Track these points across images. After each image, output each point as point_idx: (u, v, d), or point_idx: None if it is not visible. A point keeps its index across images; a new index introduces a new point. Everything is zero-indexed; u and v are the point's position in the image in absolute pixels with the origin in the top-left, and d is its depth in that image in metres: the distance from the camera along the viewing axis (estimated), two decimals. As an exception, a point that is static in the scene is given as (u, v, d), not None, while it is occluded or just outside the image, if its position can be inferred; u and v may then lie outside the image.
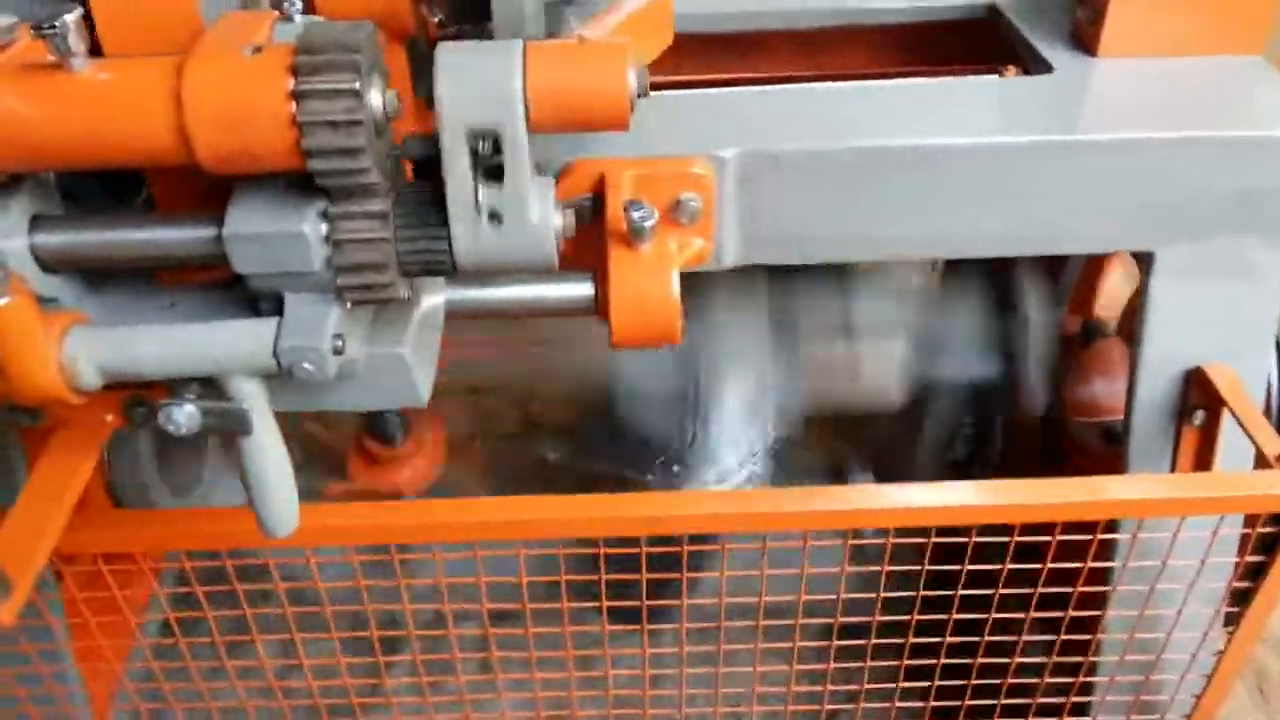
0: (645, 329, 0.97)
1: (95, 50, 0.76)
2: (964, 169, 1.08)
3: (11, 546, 0.78)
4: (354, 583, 1.15)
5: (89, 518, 1.23)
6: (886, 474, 1.64)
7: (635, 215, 0.94)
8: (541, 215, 0.74)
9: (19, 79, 0.66)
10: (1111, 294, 1.60)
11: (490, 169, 0.72)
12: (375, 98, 0.66)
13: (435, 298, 0.90)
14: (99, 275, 0.78)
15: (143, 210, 0.81)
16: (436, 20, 0.95)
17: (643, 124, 1.11)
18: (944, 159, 1.07)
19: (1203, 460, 1.20)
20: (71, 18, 0.64)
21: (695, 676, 1.25)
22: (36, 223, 0.74)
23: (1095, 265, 1.60)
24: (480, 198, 0.71)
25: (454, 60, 0.70)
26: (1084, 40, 1.21)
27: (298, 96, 0.64)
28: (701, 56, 1.41)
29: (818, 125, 1.11)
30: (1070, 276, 1.61)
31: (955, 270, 1.53)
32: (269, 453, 0.77)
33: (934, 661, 1.22)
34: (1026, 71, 1.23)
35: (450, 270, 0.75)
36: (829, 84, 1.22)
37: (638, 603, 1.14)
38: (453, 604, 1.31)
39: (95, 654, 1.23)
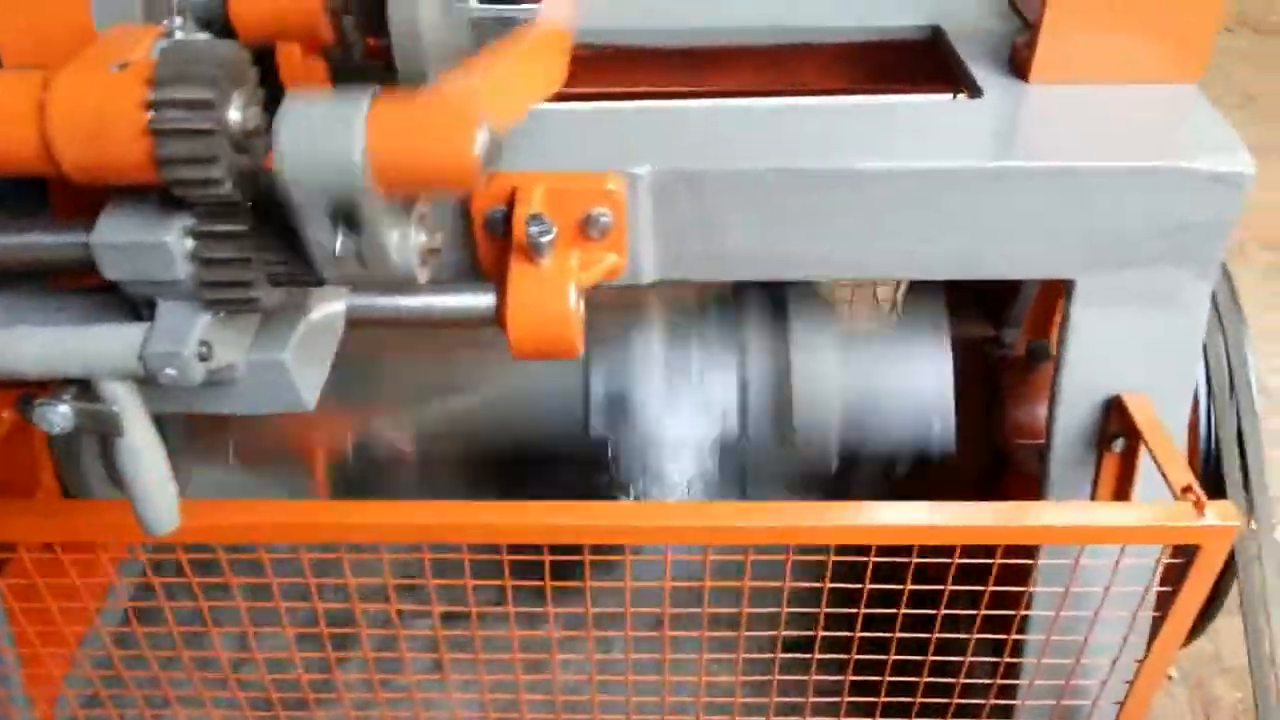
0: (543, 341, 0.98)
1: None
2: (881, 192, 1.09)
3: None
4: (304, 580, 1.17)
5: (28, 506, 1.26)
6: (831, 488, 1.64)
7: (533, 230, 0.95)
8: (402, 252, 0.75)
9: None
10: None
11: (347, 215, 0.72)
12: (234, 113, 0.68)
13: (332, 304, 0.92)
14: (-8, 276, 0.81)
15: (32, 216, 0.83)
16: (348, 31, 0.97)
17: (560, 137, 1.13)
18: (862, 181, 1.08)
19: (1122, 487, 1.20)
20: None
21: (643, 684, 1.26)
22: None
23: (1052, 287, 1.59)
24: (338, 247, 0.71)
25: (295, 118, 0.68)
26: (1018, 65, 1.21)
27: (152, 106, 0.65)
28: (649, 70, 1.42)
29: (739, 144, 1.12)
30: (1026, 297, 1.60)
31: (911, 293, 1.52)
32: (143, 454, 0.79)
33: (875, 678, 1.23)
34: (959, 95, 1.23)
35: (318, 284, 0.77)
36: (757, 100, 1.23)
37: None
38: (402, 604, 1.34)
39: (30, 641, 1.26)
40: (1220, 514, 1.03)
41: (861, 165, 1.08)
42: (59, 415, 0.76)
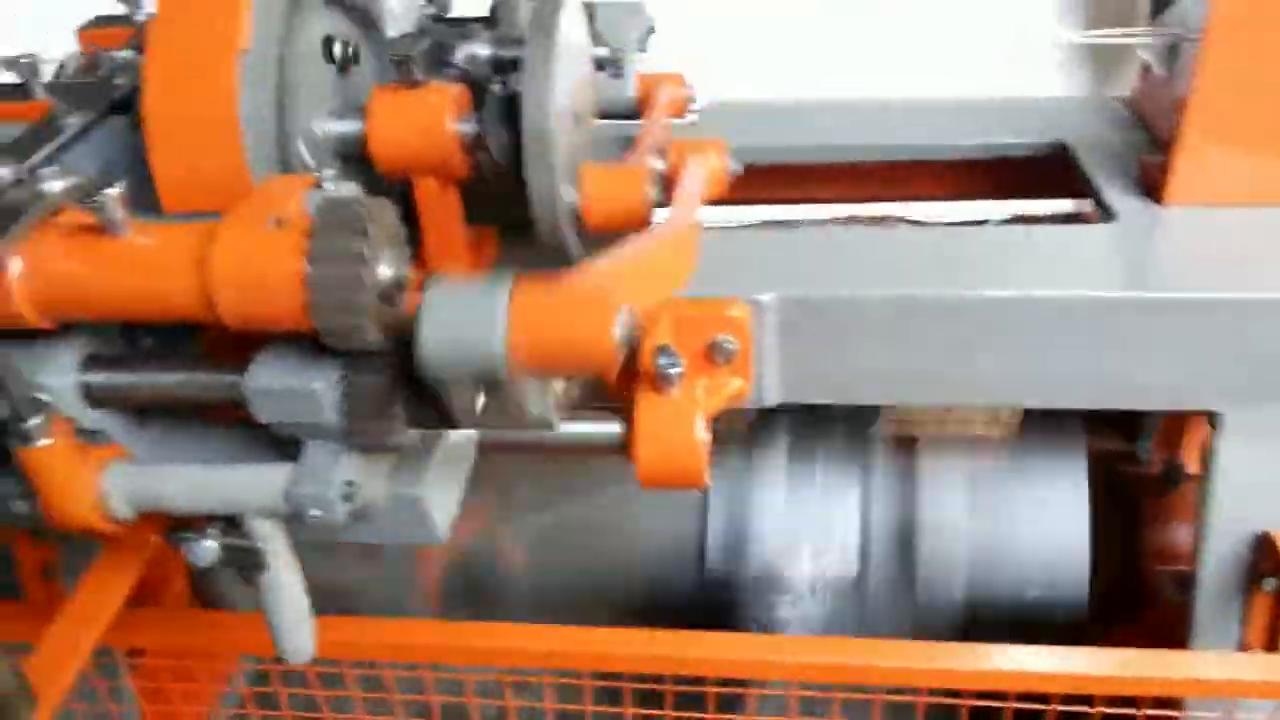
0: (672, 472, 0.97)
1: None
2: (1011, 320, 1.07)
3: (46, 661, 0.83)
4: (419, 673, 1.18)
5: (161, 616, 1.30)
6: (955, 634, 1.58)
7: (662, 362, 0.96)
8: (539, 406, 0.76)
9: (70, 240, 0.72)
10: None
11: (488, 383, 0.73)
12: (384, 269, 0.70)
13: (465, 436, 0.93)
14: (144, 411, 0.84)
15: (190, 355, 0.87)
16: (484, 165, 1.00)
17: None
18: (990, 309, 1.06)
19: (1275, 628, 1.13)
20: (113, 191, 0.70)
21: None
22: (90, 362, 0.80)
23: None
24: (479, 407, 0.73)
25: (437, 307, 0.70)
26: (1150, 185, 1.18)
27: (309, 262, 0.68)
28: (772, 186, 1.43)
29: (864, 268, 1.12)
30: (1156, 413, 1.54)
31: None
32: (285, 589, 0.81)
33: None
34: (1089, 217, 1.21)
35: (456, 427, 0.78)
36: (882, 226, 1.22)
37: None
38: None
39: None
40: (1390, 669, 0.96)
41: (990, 293, 1.06)
42: (205, 550, 0.78)
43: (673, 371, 0.95)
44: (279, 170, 0.90)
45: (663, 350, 0.96)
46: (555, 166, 0.91)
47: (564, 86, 0.92)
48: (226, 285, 0.70)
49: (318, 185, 0.78)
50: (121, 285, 0.72)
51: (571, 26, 0.97)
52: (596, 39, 1.18)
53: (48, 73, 1.08)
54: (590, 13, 1.12)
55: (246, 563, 0.79)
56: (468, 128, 0.93)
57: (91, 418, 0.80)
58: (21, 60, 1.02)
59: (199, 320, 0.74)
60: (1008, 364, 1.09)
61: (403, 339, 0.73)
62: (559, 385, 0.79)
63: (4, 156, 0.82)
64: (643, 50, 1.41)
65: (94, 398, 0.80)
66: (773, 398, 1.13)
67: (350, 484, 0.77)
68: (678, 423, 0.96)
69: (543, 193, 0.91)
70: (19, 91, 1.04)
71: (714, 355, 1.06)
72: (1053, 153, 1.34)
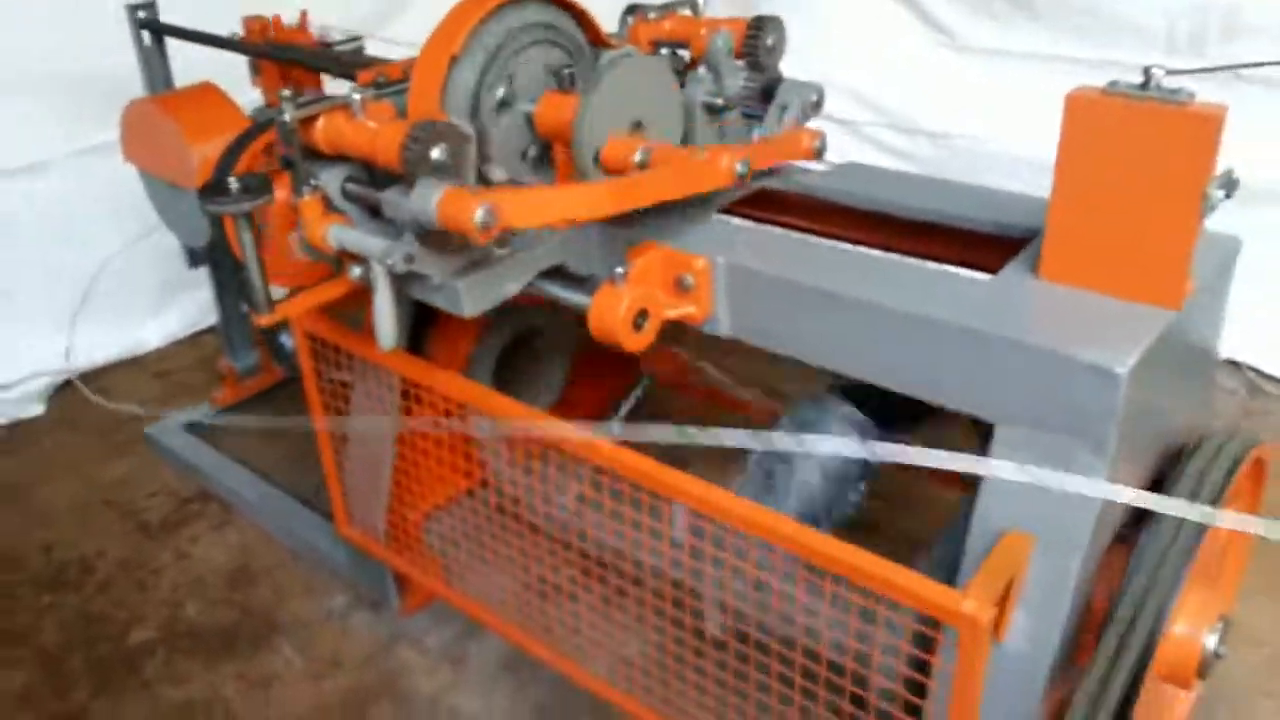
0: (605, 332, 1.61)
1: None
2: (877, 321, 1.54)
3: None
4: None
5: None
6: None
7: (617, 271, 1.61)
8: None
9: (343, 114, 1.60)
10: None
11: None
12: (435, 153, 1.49)
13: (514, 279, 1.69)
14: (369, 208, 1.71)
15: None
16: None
17: (695, 236, 1.75)
18: (864, 311, 1.54)
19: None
20: (357, 97, 1.57)
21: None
22: (348, 180, 1.68)
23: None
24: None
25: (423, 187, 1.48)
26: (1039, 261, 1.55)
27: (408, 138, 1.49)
28: (809, 215, 1.96)
29: (796, 264, 1.65)
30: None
31: None
32: (382, 305, 1.62)
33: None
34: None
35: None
36: (842, 243, 1.72)
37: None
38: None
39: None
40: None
41: (865, 298, 1.54)
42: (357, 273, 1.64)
43: (619, 272, 1.61)
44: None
45: (620, 267, 1.62)
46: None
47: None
48: (385, 146, 1.53)
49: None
50: (353, 140, 1.59)
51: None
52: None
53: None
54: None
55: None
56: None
57: (343, 205, 1.69)
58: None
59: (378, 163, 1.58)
60: (867, 351, 1.56)
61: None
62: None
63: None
64: (809, 115, 2.02)
65: (347, 195, 1.69)
66: (724, 330, 1.71)
67: (410, 257, 1.56)
68: (612, 304, 1.61)
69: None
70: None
71: (679, 285, 1.69)
72: (1026, 236, 1.70)
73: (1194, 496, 1.49)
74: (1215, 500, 1.49)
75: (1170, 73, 1.36)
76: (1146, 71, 1.36)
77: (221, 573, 2.71)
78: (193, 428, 3.22)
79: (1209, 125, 1.34)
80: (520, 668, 2.35)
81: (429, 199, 1.44)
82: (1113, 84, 1.40)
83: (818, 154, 1.97)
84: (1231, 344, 3.33)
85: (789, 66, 2.05)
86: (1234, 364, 3.35)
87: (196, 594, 2.64)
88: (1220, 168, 1.39)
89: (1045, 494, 1.43)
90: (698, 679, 1.79)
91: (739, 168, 1.75)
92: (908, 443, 1.55)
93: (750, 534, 1.54)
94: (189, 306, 3.76)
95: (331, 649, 2.45)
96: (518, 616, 2.11)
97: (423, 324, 2.27)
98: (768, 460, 1.90)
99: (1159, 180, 1.38)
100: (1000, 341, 1.42)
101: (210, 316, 3.52)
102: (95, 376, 3.58)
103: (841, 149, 3.53)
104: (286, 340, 2.83)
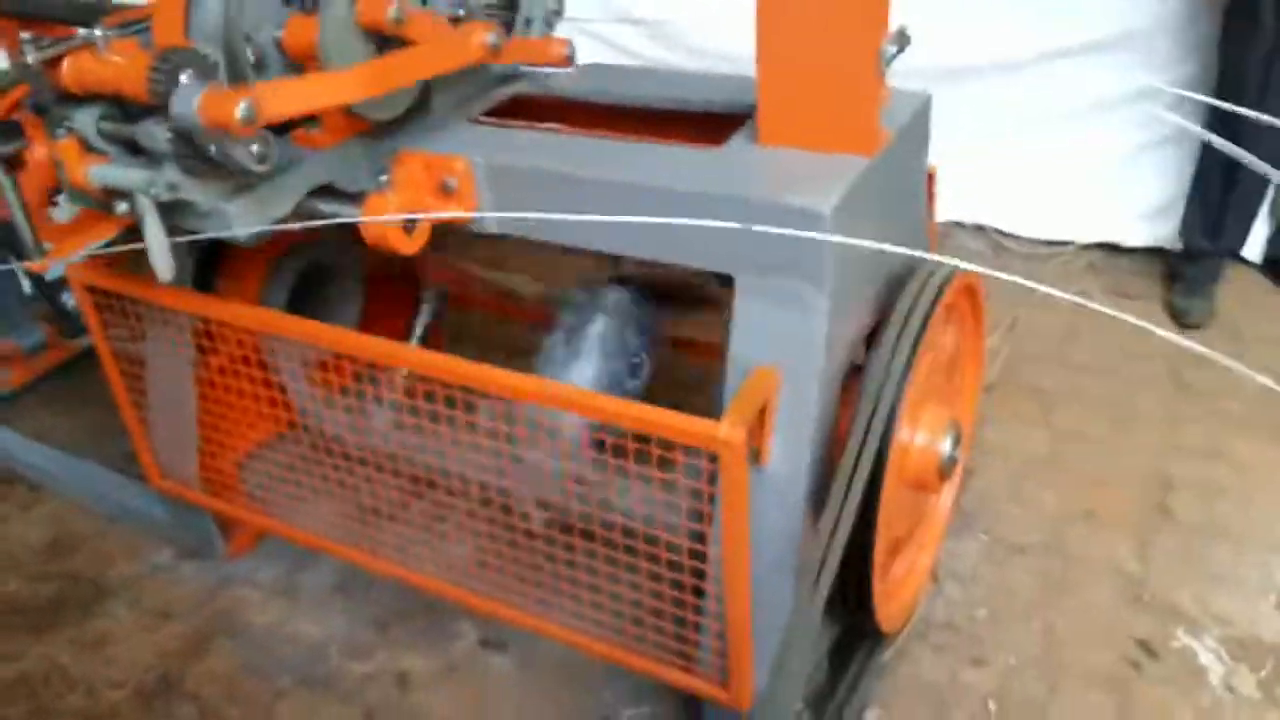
0: (376, 236, 1.72)
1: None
2: (622, 197, 1.70)
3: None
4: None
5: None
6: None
7: (381, 180, 1.72)
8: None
9: (90, 53, 1.64)
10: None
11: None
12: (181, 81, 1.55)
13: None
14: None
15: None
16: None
17: (458, 138, 1.87)
18: (611, 189, 1.70)
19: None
20: (98, 33, 1.61)
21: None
22: (102, 119, 1.72)
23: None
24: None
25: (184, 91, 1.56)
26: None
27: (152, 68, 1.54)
28: (578, 117, 2.10)
29: (551, 156, 1.79)
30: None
31: None
32: (152, 236, 1.68)
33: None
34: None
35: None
36: (601, 138, 1.88)
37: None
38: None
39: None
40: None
41: (615, 178, 1.70)
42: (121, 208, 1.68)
43: (383, 180, 1.71)
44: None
45: (384, 175, 1.72)
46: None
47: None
48: (133, 79, 1.57)
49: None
50: (100, 76, 1.63)
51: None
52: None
53: None
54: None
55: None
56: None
57: (95, 140, 1.72)
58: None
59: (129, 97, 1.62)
60: (618, 227, 1.72)
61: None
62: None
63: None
64: (553, 24, 2.15)
65: (100, 131, 1.72)
66: (490, 227, 1.84)
67: (173, 186, 1.62)
68: (381, 210, 1.71)
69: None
70: None
71: (443, 189, 1.80)
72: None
73: (908, 316, 1.73)
74: (926, 318, 1.73)
75: (838, -54, 1.56)
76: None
77: (37, 548, 2.69)
78: (-15, 414, 3.13)
79: (877, -14, 1.55)
80: (353, 589, 2.45)
81: (190, 101, 1.49)
82: (795, -40, 1.59)
83: (568, 60, 2.10)
84: (975, 210, 3.70)
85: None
86: (979, 228, 3.72)
87: (13, 571, 2.62)
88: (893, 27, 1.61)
89: (782, 331, 1.63)
90: (529, 570, 1.94)
91: (491, 39, 1.82)
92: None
93: (549, 406, 1.69)
94: (-39, 293, 3.61)
95: (163, 600, 2.48)
96: (348, 539, 2.21)
97: (209, 272, 2.31)
98: (556, 342, 2.06)
99: (840, 41, 1.59)
100: (726, 200, 1.60)
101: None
102: None
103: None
104: (69, 300, 2.79)
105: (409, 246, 1.75)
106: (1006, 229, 3.68)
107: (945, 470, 1.94)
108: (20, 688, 2.30)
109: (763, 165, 1.68)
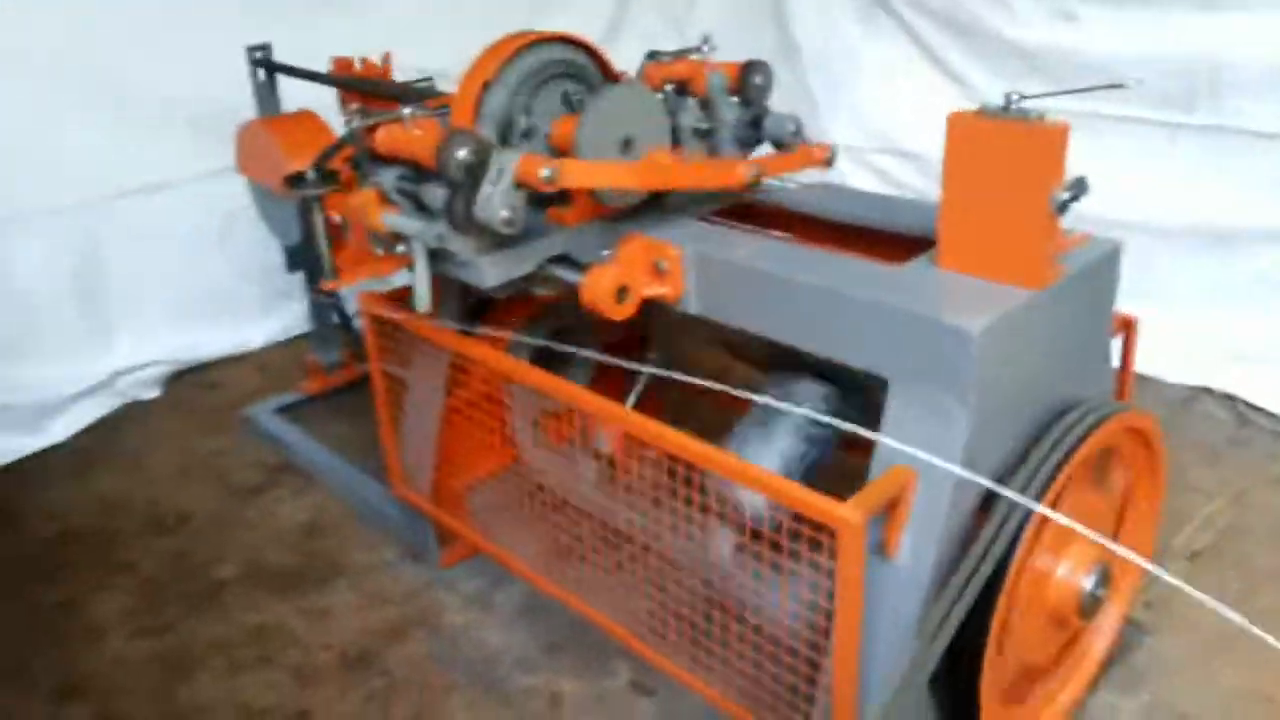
0: (594, 301, 2.02)
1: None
2: (805, 296, 1.91)
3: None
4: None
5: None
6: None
7: (604, 255, 2.03)
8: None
9: (396, 128, 2.06)
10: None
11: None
12: (463, 154, 1.93)
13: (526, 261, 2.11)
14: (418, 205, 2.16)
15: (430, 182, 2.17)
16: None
17: (673, 230, 2.15)
18: (793, 287, 1.92)
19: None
20: (405, 111, 2.02)
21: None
22: (399, 179, 2.14)
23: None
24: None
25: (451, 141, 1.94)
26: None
27: (440, 146, 1.93)
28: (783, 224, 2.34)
29: (754, 256, 2.03)
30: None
31: None
32: (419, 271, 2.06)
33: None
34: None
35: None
36: (789, 242, 2.10)
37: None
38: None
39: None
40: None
41: (795, 278, 1.92)
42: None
43: (605, 254, 2.02)
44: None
45: (607, 250, 2.03)
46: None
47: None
48: (425, 149, 1.98)
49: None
50: (402, 144, 2.05)
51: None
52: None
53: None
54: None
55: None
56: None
57: (393, 194, 2.14)
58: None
59: (421, 163, 2.03)
60: (806, 323, 1.93)
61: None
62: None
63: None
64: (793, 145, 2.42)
65: (397, 189, 2.14)
66: (692, 307, 2.10)
67: (441, 236, 2.00)
68: (599, 278, 2.01)
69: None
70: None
71: (656, 269, 2.09)
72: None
73: (1054, 449, 1.81)
74: (1070, 451, 1.80)
75: (1024, 97, 1.72)
76: (1006, 96, 1.73)
77: (297, 528, 3.18)
78: (283, 411, 3.73)
79: (1054, 137, 1.69)
80: (536, 612, 2.74)
81: (510, 160, 1.88)
82: (982, 107, 1.76)
83: (828, 162, 2.36)
84: (1225, 378, 3.58)
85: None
86: (1229, 397, 3.59)
87: (275, 543, 3.11)
88: (1070, 176, 1.74)
89: (924, 436, 1.77)
90: (687, 628, 2.15)
91: (750, 172, 2.19)
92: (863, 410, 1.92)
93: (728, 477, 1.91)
94: (287, 314, 4.31)
95: (380, 589, 2.87)
96: (542, 569, 2.51)
97: (474, 321, 2.73)
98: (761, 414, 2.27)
99: (1018, 182, 1.74)
100: (890, 310, 1.78)
101: (305, 324, 4.05)
102: (206, 369, 4.15)
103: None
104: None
105: (618, 312, 2.04)
106: (1257, 402, 3.52)
107: (1087, 607, 1.97)
108: (255, 635, 2.74)
109: (932, 284, 1.85)
